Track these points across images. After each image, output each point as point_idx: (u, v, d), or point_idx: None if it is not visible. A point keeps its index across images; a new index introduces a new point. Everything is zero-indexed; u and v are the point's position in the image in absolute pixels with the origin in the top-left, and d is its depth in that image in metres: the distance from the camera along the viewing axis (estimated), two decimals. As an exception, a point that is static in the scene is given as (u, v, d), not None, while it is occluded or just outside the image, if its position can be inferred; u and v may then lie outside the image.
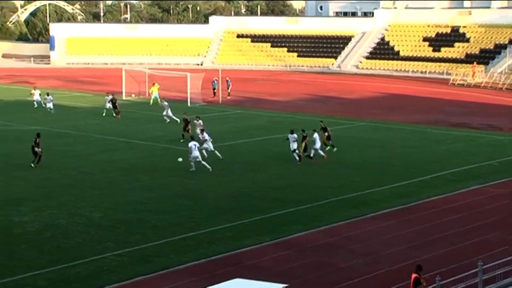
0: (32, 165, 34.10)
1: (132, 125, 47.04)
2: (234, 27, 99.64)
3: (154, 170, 33.98)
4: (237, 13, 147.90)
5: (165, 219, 26.08)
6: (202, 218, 26.21)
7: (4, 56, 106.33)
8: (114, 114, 50.63)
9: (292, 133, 35.68)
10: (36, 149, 34.34)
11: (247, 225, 25.49)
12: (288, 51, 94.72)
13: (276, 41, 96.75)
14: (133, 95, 61.64)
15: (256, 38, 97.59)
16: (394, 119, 50.72)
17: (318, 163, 35.72)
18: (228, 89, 63.24)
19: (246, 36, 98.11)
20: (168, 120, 48.00)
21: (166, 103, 49.56)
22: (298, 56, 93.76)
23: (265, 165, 35.06)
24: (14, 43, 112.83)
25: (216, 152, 35.61)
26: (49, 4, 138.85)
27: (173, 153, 38.20)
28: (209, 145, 35.95)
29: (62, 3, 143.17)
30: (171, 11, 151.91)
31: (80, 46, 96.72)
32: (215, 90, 62.59)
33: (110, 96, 52.54)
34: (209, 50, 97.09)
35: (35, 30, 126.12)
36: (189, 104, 56.95)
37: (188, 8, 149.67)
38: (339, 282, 20.22)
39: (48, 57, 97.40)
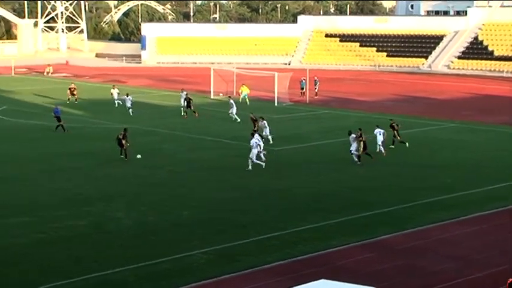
0: (122, 156, 35.27)
1: (220, 124, 47.57)
2: (322, 26, 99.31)
3: (242, 169, 34.25)
4: (326, 12, 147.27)
5: (251, 219, 26.26)
6: (288, 218, 26.25)
7: (98, 55, 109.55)
8: (183, 113, 50.57)
9: (350, 134, 35.57)
10: (123, 141, 35.30)
11: (333, 226, 25.36)
12: (377, 50, 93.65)
13: (365, 40, 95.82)
14: (221, 94, 62.36)
15: (344, 38, 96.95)
16: (486, 121, 49.37)
17: (405, 163, 35.21)
18: (315, 88, 63.15)
19: (335, 36, 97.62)
20: (234, 119, 48.16)
21: (232, 101, 49.81)
22: (387, 55, 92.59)
23: (351, 166, 34.78)
24: (107, 43, 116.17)
25: (261, 154, 34.91)
26: (141, 4, 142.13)
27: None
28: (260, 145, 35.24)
29: (153, 4, 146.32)
30: (260, 11, 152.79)
31: (170, 46, 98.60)
32: (303, 90, 62.56)
33: (184, 93, 52.95)
34: (297, 50, 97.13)
35: (127, 30, 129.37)
36: (276, 104, 57.12)
37: (277, 7, 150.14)
38: (428, 286, 19.85)
39: (139, 56, 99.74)
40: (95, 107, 55.38)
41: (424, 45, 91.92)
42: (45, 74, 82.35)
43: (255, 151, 33.80)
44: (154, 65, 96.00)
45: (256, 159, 33.99)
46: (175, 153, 37.96)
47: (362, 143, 35.01)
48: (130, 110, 51.09)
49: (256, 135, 34.76)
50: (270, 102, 57.68)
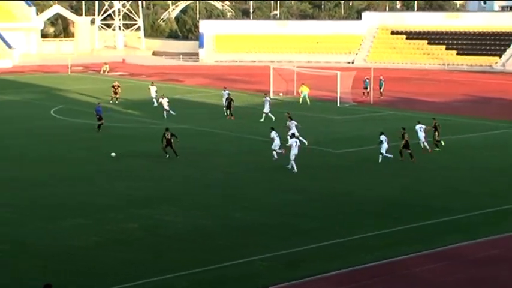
0: (168, 156, 35.87)
1: (279, 125, 47.21)
2: (388, 23, 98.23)
3: (299, 171, 33.98)
4: (392, 8, 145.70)
5: (310, 224, 25.98)
6: (350, 224, 25.87)
7: (154, 53, 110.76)
8: (226, 114, 50.12)
9: (381, 134, 36.26)
10: (172, 140, 35.96)
11: (397, 233, 24.86)
12: (447, 48, 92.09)
13: (434, 38, 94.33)
14: (280, 94, 62.19)
15: (412, 35, 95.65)
16: None
17: (473, 168, 34.39)
18: (380, 88, 62.40)
19: (401, 33, 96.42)
20: (271, 117, 47.96)
21: (268, 99, 49.35)
22: (457, 53, 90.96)
23: (415, 170, 34.14)
24: (164, 40, 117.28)
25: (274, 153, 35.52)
26: (199, 1, 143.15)
27: (318, 154, 38.11)
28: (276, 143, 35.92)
29: (212, 0, 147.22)
30: (322, 7, 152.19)
31: (229, 43, 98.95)
32: (367, 90, 61.88)
33: (226, 92, 52.43)
34: (361, 48, 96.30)
35: (185, 28, 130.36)
36: (338, 104, 56.63)
37: (340, 3, 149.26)
38: (501, 300, 19.23)
39: (196, 54, 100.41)
40: (149, 107, 55.81)
41: (497, 42, 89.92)
42: (101, 72, 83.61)
43: (294, 152, 33.91)
44: (212, 63, 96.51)
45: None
46: (232, 155, 37.91)
47: (404, 141, 35.98)
48: (165, 112, 49.94)
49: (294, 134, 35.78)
50: (332, 102, 57.23)
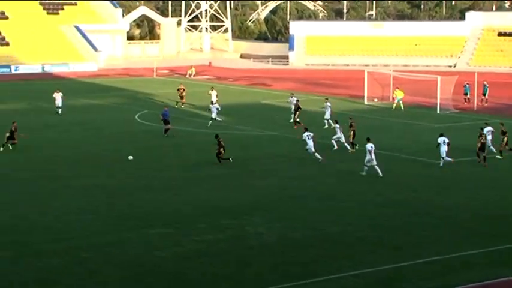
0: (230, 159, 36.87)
1: (375, 133, 46.84)
2: (495, 23, 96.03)
3: (401, 183, 33.69)
4: (499, 8, 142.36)
5: (405, 239, 25.71)
6: (450, 240, 25.45)
7: (242, 56, 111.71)
8: (292, 120, 49.76)
9: (441, 136, 37.14)
10: (221, 149, 36.67)
11: (503, 252, 24.29)
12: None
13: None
14: (375, 100, 61.75)
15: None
16: None
17: None
18: (484, 94, 61.08)
19: (510, 35, 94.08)
20: (326, 126, 47.90)
21: (328, 104, 49.12)
22: None
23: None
24: (252, 42, 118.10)
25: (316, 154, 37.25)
26: (290, 1, 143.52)
27: (419, 165, 37.64)
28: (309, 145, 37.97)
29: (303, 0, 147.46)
30: (422, 7, 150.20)
31: (320, 45, 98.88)
32: (467, 96, 60.75)
33: (294, 99, 51.98)
34: (464, 50, 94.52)
35: (274, 29, 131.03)
36: (438, 111, 55.76)
37: (442, 3, 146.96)
38: None
39: (286, 57, 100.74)
40: (237, 112, 56.35)
41: None
42: (187, 76, 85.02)
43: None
44: (303, 66, 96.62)
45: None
46: (327, 165, 37.77)
47: (480, 143, 37.30)
48: (215, 119, 49.29)
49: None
50: (430, 109, 56.40)
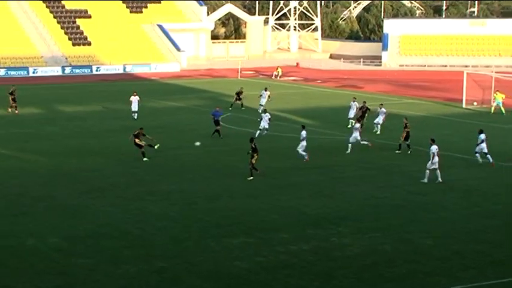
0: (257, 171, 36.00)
1: (471, 138, 46.00)
2: None
3: (496, 192, 33.02)
4: None
5: (509, 253, 25.17)
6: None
7: (332, 56, 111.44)
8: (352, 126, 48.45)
9: (481, 132, 38.22)
10: (255, 155, 35.77)
11: None
12: None
13: None
14: (475, 103, 60.64)
15: None
16: None
17: None
18: None
19: None
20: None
21: (383, 109, 48.53)
22: None
23: None
24: (343, 42, 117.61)
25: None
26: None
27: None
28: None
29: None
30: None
31: (416, 45, 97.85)
32: None
33: (355, 104, 50.54)
34: None
35: (367, 28, 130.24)
36: (544, 116, 54.44)
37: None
38: None
39: (379, 58, 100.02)
40: (323, 116, 56.23)
41: None
42: (273, 77, 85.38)
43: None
44: (397, 67, 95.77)
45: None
46: (409, 171, 37.34)
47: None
48: (263, 130, 47.07)
49: None
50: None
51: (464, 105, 60.49)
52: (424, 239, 26.81)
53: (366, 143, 42.32)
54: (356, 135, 42.05)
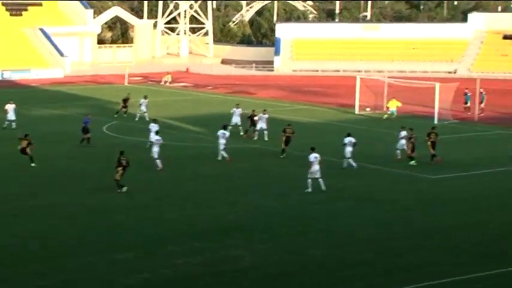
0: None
1: (363, 144, 46.78)
2: (500, 26, 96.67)
3: (389, 199, 33.73)
4: (505, 9, 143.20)
5: (400, 263, 25.78)
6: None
7: (223, 61, 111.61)
8: (242, 133, 49.85)
9: (349, 136, 40.27)
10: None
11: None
12: None
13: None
14: (368, 109, 61.77)
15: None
16: None
17: None
18: (481, 103, 61.01)
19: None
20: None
21: (266, 116, 49.47)
22: None
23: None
24: (235, 47, 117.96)
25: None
26: (278, 1, 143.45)
27: (412, 180, 37.68)
28: None
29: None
30: (422, 7, 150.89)
31: (309, 50, 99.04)
32: (467, 105, 61.18)
33: (239, 110, 51.45)
34: (465, 55, 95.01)
35: (259, 32, 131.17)
36: (435, 121, 55.89)
37: (443, 3, 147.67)
38: None
39: (271, 62, 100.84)
40: (212, 124, 56.03)
41: None
42: (162, 83, 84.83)
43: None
44: (290, 73, 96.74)
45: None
46: (303, 180, 37.74)
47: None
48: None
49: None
50: (427, 119, 56.45)
51: (357, 111, 61.60)
52: (315, 250, 27.08)
53: (224, 154, 42.28)
54: (221, 142, 42.39)
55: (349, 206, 33.21)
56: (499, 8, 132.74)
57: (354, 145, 39.88)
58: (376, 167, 40.18)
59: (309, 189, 35.07)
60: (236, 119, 50.71)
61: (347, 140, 40.11)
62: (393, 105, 58.78)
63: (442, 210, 32.67)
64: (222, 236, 28.57)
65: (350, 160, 39.74)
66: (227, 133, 42.87)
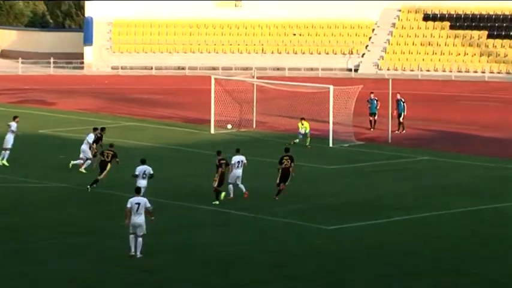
0: None
1: (252, 178, 47.19)
2: (419, 3, 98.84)
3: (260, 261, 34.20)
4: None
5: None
6: None
7: (4, 54, 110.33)
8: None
9: (238, 152, 42.61)
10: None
11: None
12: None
13: (499, 27, 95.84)
14: (229, 126, 61.65)
15: (460, 22, 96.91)
16: None
17: None
18: (399, 116, 61.41)
19: (442, 19, 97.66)
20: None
21: (13, 128, 50.61)
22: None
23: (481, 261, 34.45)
24: (22, 31, 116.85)
25: None
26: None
27: (303, 231, 38.32)
28: None
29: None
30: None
31: (137, 36, 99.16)
32: (374, 117, 61.97)
33: (93, 136, 51.20)
34: (371, 44, 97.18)
35: (59, 9, 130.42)
36: (331, 144, 56.46)
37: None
38: None
39: (80, 56, 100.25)
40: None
41: None
42: None
43: None
44: (108, 71, 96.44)
45: None
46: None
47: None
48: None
49: None
50: (320, 140, 57.08)
51: (212, 130, 61.36)
52: None
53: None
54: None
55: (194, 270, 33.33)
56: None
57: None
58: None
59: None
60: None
61: (236, 159, 42.31)
62: (307, 126, 56.08)
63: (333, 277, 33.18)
64: None
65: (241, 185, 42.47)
66: None
